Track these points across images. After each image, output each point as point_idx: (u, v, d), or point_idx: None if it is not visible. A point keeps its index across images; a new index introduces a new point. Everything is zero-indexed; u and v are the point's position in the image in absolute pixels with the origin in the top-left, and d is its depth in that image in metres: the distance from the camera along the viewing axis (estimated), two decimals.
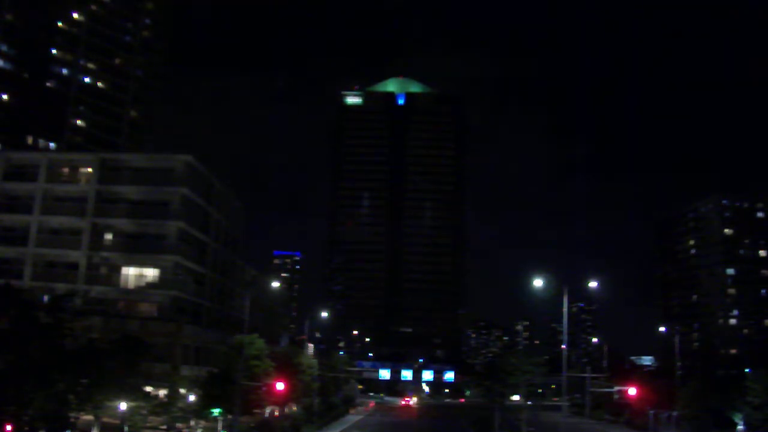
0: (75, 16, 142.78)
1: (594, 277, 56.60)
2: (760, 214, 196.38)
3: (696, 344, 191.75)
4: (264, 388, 55.36)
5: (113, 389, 43.12)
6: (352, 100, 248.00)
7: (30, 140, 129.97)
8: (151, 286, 71.86)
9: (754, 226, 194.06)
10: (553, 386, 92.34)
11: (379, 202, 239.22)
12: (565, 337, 63.59)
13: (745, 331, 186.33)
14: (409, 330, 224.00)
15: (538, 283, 51.45)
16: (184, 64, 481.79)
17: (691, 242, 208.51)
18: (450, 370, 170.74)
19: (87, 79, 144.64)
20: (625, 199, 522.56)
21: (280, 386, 55.41)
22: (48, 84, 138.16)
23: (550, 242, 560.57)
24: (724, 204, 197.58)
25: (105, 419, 46.56)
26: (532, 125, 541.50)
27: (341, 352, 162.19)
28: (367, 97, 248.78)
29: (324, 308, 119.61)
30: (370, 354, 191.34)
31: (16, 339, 37.31)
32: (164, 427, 53.63)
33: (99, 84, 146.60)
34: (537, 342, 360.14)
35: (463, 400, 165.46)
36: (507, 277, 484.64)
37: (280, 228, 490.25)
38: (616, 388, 67.51)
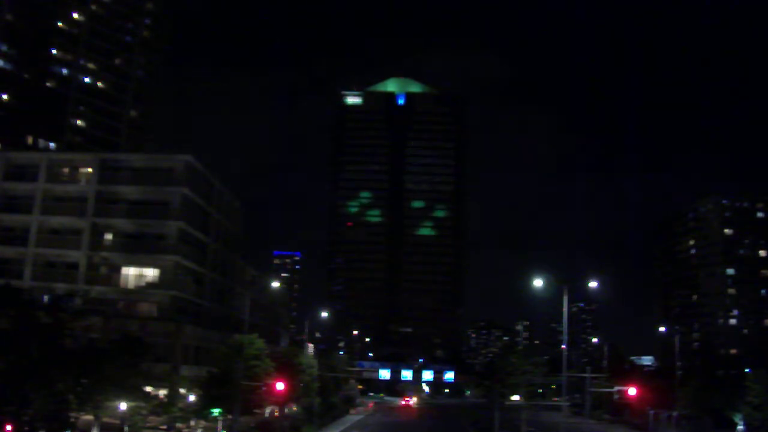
0: (75, 16, 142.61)
1: (594, 277, 56.44)
2: (760, 214, 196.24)
3: (696, 344, 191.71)
4: (264, 388, 55.33)
5: (113, 389, 43.04)
6: (352, 100, 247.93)
7: (30, 140, 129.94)
8: (151, 286, 71.79)
9: (754, 226, 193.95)
10: (553, 386, 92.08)
11: (379, 201, 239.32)
12: (565, 337, 63.58)
13: (745, 331, 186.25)
14: (409, 330, 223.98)
15: (538, 283, 51.44)
16: (184, 63, 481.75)
17: (691, 242, 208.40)
18: (450, 370, 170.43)
19: (87, 79, 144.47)
20: (625, 199, 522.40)
21: (280, 386, 55.36)
22: (48, 84, 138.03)
23: (550, 242, 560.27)
24: (724, 204, 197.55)
25: (105, 419, 46.51)
26: (532, 125, 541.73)
27: (341, 352, 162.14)
28: (367, 97, 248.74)
29: (324, 308, 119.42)
30: (370, 354, 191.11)
31: (16, 339, 37.30)
32: (164, 427, 53.63)
33: (99, 84, 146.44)
34: (537, 342, 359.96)
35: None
36: (507, 277, 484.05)
37: (280, 228, 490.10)
38: (616, 388, 67.45)
